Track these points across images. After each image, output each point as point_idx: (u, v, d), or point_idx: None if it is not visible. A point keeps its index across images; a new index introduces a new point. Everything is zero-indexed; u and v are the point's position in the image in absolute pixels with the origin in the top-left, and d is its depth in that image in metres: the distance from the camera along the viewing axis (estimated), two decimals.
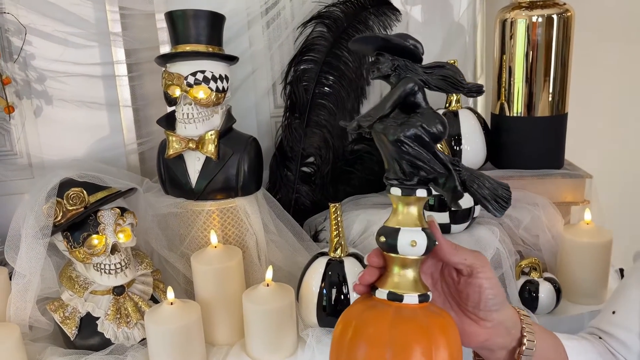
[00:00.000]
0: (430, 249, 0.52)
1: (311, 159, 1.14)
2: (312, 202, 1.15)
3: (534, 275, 0.92)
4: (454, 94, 1.05)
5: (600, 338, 0.74)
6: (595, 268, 0.93)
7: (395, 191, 0.51)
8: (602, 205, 1.00)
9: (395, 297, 0.51)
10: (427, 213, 0.88)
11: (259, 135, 1.05)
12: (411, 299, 0.51)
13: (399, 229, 0.51)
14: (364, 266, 0.86)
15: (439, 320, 0.51)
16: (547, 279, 0.92)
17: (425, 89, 0.52)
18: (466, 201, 0.86)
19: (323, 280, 0.88)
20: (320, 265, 0.89)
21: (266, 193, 1.00)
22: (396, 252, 0.51)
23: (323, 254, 0.91)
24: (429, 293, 0.53)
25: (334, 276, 0.88)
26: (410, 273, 0.52)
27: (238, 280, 0.87)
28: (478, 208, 0.88)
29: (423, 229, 0.52)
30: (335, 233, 0.89)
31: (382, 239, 0.52)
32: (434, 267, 0.59)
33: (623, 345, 0.71)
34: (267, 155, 1.13)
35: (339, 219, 0.89)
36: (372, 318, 0.51)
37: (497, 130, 1.06)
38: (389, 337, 0.49)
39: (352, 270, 0.88)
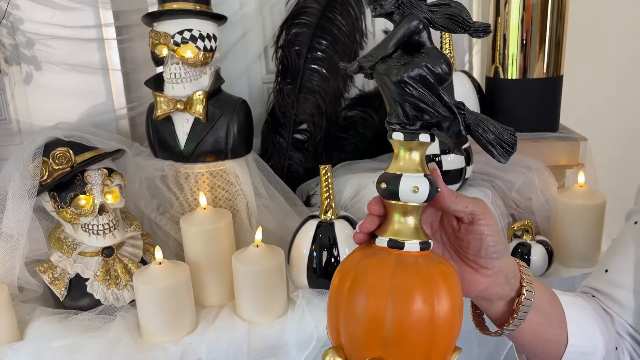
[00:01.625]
0: (433, 196, 0.50)
1: (304, 126, 1.13)
2: (305, 169, 1.14)
3: (527, 238, 0.92)
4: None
5: (593, 297, 0.74)
6: (588, 231, 0.93)
7: (398, 136, 0.50)
8: (596, 168, 0.99)
9: (396, 245, 0.50)
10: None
11: (250, 101, 1.04)
12: (412, 246, 0.50)
13: (400, 175, 0.49)
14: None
15: (440, 268, 0.50)
16: (540, 242, 0.91)
17: (430, 29, 0.50)
18: (457, 162, 0.85)
19: (313, 242, 0.88)
20: (310, 227, 0.89)
21: (257, 157, 0.99)
22: (397, 199, 0.50)
23: (314, 216, 0.91)
24: (430, 241, 0.51)
25: (325, 239, 0.87)
26: (411, 220, 0.51)
27: (228, 242, 0.86)
28: (470, 169, 0.87)
29: (425, 175, 0.50)
30: (325, 195, 0.89)
31: (383, 185, 0.50)
32: (433, 217, 0.57)
33: (616, 302, 0.71)
34: (259, 121, 1.12)
35: (329, 180, 0.88)
36: (372, 266, 0.49)
37: (491, 94, 1.04)
38: (389, 285, 0.47)
39: (343, 233, 0.87)
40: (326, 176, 0.87)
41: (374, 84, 1.21)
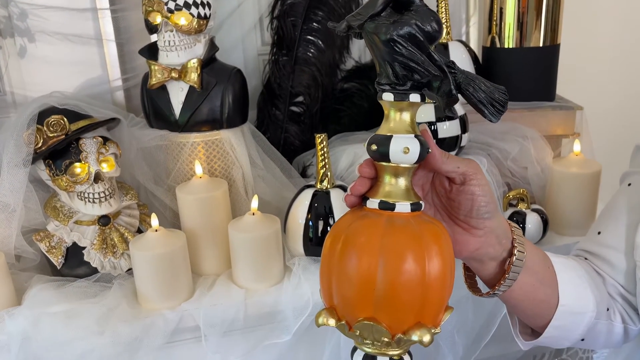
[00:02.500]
0: (423, 156, 0.50)
1: (300, 98, 1.12)
2: (301, 142, 1.14)
3: (522, 207, 0.92)
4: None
5: (585, 259, 0.74)
6: (583, 199, 0.93)
7: (388, 96, 0.49)
8: (592, 138, 0.99)
9: (386, 206, 0.50)
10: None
11: (246, 73, 1.03)
12: (403, 207, 0.50)
13: (391, 137, 0.49)
14: None
15: (431, 228, 0.50)
16: (535, 210, 0.92)
17: None
18: (453, 130, 0.85)
19: (309, 211, 0.88)
20: (306, 197, 0.89)
21: (252, 128, 0.99)
22: (388, 160, 0.49)
23: (310, 186, 0.91)
24: (421, 202, 0.51)
25: (320, 208, 0.88)
26: (402, 182, 0.51)
27: (224, 211, 0.86)
28: (466, 137, 0.87)
29: (416, 136, 0.50)
30: (321, 164, 0.89)
31: (374, 147, 0.50)
32: (424, 179, 0.57)
33: (608, 264, 0.71)
34: (255, 94, 1.11)
35: (325, 149, 0.88)
36: (363, 227, 0.50)
37: (488, 63, 1.04)
38: (380, 246, 0.48)
39: (339, 202, 0.88)
40: (322, 145, 0.87)
41: (369, 55, 1.21)
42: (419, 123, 0.56)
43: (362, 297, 0.49)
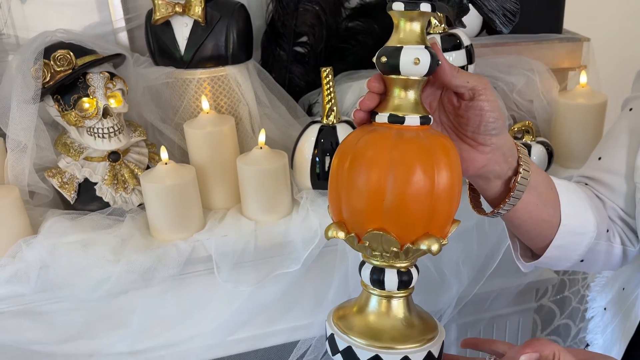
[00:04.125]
0: (433, 68, 0.50)
1: (304, 38, 1.11)
2: (306, 82, 1.13)
3: (527, 139, 0.93)
4: None
5: (586, 185, 0.75)
6: (588, 131, 0.93)
7: (398, 6, 0.48)
8: (599, 70, 0.98)
9: (396, 120, 0.50)
10: None
11: (249, 12, 1.02)
12: (413, 120, 0.50)
13: (401, 48, 0.49)
14: None
15: (440, 141, 0.51)
16: (540, 142, 0.92)
17: None
18: (459, 59, 0.84)
19: (316, 147, 0.89)
20: (312, 132, 0.89)
21: (257, 65, 0.98)
22: (398, 72, 0.49)
23: (316, 121, 0.91)
24: (430, 115, 0.52)
25: (327, 143, 0.88)
26: (411, 95, 0.51)
27: (232, 146, 0.87)
28: (472, 67, 0.87)
29: (426, 47, 0.49)
30: (327, 99, 0.89)
31: (383, 59, 0.49)
32: (432, 97, 0.57)
33: (608, 188, 0.72)
34: (258, 34, 1.10)
35: (331, 83, 0.88)
36: (372, 141, 0.50)
37: None
38: (390, 158, 0.48)
39: (345, 136, 0.88)
40: (327, 79, 0.87)
41: None
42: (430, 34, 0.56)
43: (371, 208, 0.50)
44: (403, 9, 0.49)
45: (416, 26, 0.50)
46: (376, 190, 0.49)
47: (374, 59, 0.51)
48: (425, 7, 0.49)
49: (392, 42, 0.50)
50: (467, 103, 0.55)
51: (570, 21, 1.04)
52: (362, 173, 0.49)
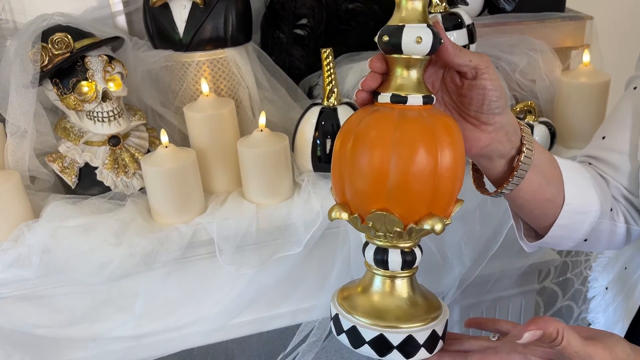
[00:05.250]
0: (436, 47, 0.50)
1: (304, 21, 1.10)
2: (307, 65, 1.13)
3: (529, 119, 0.92)
4: None
5: (590, 164, 0.75)
6: (591, 110, 0.93)
7: None
8: (602, 49, 0.97)
9: (398, 99, 0.50)
10: None
11: None
12: (415, 100, 0.50)
13: (403, 26, 0.48)
14: None
15: (443, 120, 0.51)
16: (542, 123, 0.92)
17: None
18: (460, 38, 0.83)
19: (317, 129, 0.88)
20: (313, 114, 0.89)
21: (257, 48, 0.98)
22: (400, 51, 0.49)
23: (316, 104, 0.91)
24: (432, 95, 0.51)
25: (328, 125, 0.88)
26: (414, 74, 0.51)
27: (232, 129, 0.87)
28: (473, 47, 0.86)
29: (428, 25, 0.49)
30: (328, 80, 0.88)
31: (385, 38, 0.49)
32: (434, 76, 0.57)
33: (612, 167, 0.72)
34: (258, 16, 1.09)
35: (331, 65, 0.87)
36: (374, 121, 0.50)
37: None
38: (393, 138, 0.48)
39: (346, 118, 0.88)
40: (328, 60, 0.86)
41: None
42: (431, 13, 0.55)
43: (375, 189, 0.50)
44: None
45: (418, 4, 0.50)
46: (379, 171, 0.49)
47: (376, 38, 0.51)
48: None
49: (393, 21, 0.50)
50: (470, 82, 0.54)
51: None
52: (365, 153, 0.49)
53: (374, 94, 0.52)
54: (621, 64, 1.09)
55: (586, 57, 0.93)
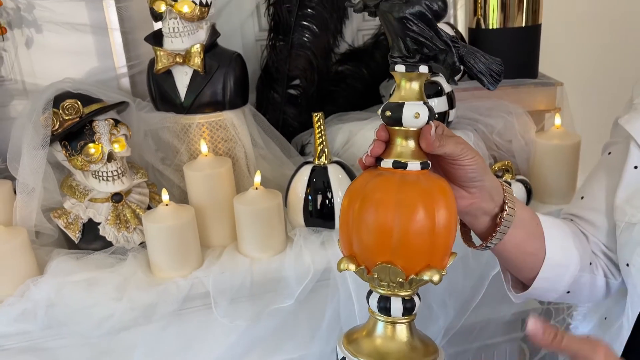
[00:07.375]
0: (431, 120, 0.57)
1: (297, 81, 1.17)
2: (300, 123, 1.20)
3: (507, 177, 0.98)
4: None
5: (571, 221, 0.81)
6: (564, 169, 0.99)
7: (400, 68, 0.55)
8: (572, 112, 1.05)
9: (399, 165, 0.56)
10: None
11: (245, 58, 1.08)
12: (414, 165, 0.57)
13: (403, 104, 0.55)
14: (348, 172, 0.91)
15: (438, 183, 0.57)
16: (519, 181, 0.98)
17: None
18: (440, 105, 0.91)
19: (308, 186, 0.94)
20: (305, 172, 0.95)
21: (253, 109, 1.04)
22: (401, 124, 0.56)
23: (308, 162, 0.97)
24: (428, 161, 0.58)
25: (319, 182, 0.94)
26: (412, 143, 0.57)
27: (229, 187, 0.92)
28: (453, 112, 0.93)
29: (424, 103, 0.56)
30: (319, 141, 0.95)
31: (388, 113, 0.56)
32: None
33: (591, 224, 0.78)
34: (253, 78, 1.16)
35: (322, 127, 0.94)
36: (379, 185, 0.56)
37: (474, 44, 1.09)
38: (395, 200, 0.54)
39: (336, 176, 0.93)
40: (319, 122, 0.93)
41: (362, 39, 1.26)
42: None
43: (380, 244, 0.55)
44: (404, 71, 0.55)
45: (415, 85, 0.57)
46: (384, 229, 0.55)
47: (379, 112, 0.58)
48: (424, 69, 0.55)
49: (394, 99, 0.57)
50: (451, 162, 0.61)
51: (546, 65, 1.12)
52: (372, 213, 0.55)
53: (377, 159, 0.59)
54: (591, 122, 1.17)
55: (557, 120, 1.00)
